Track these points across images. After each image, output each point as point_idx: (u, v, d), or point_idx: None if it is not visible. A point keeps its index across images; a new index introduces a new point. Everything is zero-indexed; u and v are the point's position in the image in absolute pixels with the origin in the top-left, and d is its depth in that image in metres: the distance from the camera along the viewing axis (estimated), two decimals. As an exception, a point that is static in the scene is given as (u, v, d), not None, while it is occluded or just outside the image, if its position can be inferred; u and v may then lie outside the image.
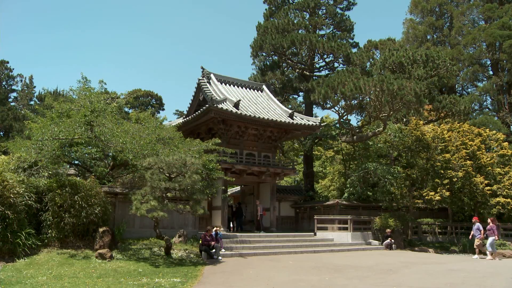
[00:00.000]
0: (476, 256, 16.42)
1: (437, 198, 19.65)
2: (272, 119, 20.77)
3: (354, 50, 28.14)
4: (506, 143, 24.06)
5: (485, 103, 36.96)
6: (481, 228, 16.47)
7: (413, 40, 37.45)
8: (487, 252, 16.04)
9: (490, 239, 15.80)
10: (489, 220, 16.44)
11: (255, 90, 25.03)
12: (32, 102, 40.62)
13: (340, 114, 23.75)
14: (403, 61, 23.13)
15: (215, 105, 18.77)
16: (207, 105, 18.96)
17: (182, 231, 14.53)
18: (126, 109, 35.82)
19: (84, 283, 8.54)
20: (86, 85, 14.82)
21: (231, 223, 23.08)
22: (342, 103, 22.64)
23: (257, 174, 21.78)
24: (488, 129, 24.95)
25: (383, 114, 21.93)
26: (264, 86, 25.52)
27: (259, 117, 20.47)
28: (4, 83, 39.88)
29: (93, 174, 15.64)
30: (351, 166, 27.46)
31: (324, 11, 29.46)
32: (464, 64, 34.83)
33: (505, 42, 31.47)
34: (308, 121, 22.36)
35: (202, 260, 12.60)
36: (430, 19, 37.79)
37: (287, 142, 29.65)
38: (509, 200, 20.52)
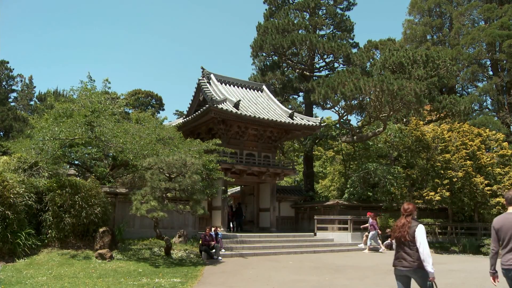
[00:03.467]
0: (366, 250, 17.51)
1: (437, 198, 19.64)
2: (272, 119, 20.77)
3: (354, 50, 28.12)
4: (506, 143, 24.01)
5: (485, 103, 36.92)
6: (369, 223, 17.73)
7: (411, 40, 37.43)
8: (370, 246, 17.47)
9: (371, 234, 17.29)
10: (368, 215, 18.02)
11: (255, 90, 25.03)
12: (32, 102, 40.63)
13: (340, 114, 23.74)
14: (403, 61, 23.11)
15: (215, 105, 18.77)
16: (207, 105, 18.95)
17: (182, 231, 14.52)
18: (126, 110, 35.81)
19: (84, 283, 8.54)
20: (87, 85, 14.82)
21: (231, 223, 23.09)
22: (342, 103, 22.63)
23: (257, 174, 21.78)
24: (488, 129, 24.90)
25: (383, 114, 21.92)
26: (264, 86, 25.51)
27: (259, 117, 20.47)
28: (4, 83, 39.88)
29: (93, 174, 15.65)
30: (351, 166, 27.45)
31: (324, 11, 29.44)
32: (464, 64, 34.80)
33: (505, 42, 31.44)
34: (308, 121, 22.36)
35: (202, 260, 12.59)
36: (428, 19, 37.78)
37: (287, 142, 29.63)
38: (509, 200, 20.48)
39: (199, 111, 19.76)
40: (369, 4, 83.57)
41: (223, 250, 14.02)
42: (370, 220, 17.68)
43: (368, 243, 17.52)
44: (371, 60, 27.74)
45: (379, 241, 17.77)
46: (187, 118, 21.21)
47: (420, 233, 4.78)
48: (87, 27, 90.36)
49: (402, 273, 4.88)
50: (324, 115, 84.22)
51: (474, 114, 34.24)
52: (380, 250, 17.43)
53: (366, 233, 17.85)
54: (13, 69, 40.98)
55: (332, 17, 29.16)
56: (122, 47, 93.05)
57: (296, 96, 32.39)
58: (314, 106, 28.75)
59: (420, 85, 20.30)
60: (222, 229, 18.60)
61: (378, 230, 17.76)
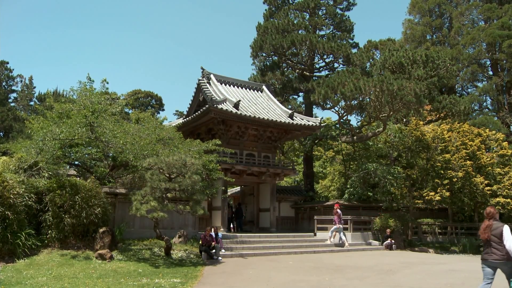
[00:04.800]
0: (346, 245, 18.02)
1: (437, 198, 19.63)
2: (272, 120, 20.77)
3: (354, 51, 28.12)
4: (506, 143, 24.03)
5: (485, 103, 36.92)
6: (336, 215, 18.31)
7: (411, 40, 37.43)
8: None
9: (334, 227, 17.97)
10: (335, 206, 18.56)
11: (255, 91, 25.03)
12: (32, 103, 40.66)
13: (340, 115, 23.73)
14: (403, 62, 23.09)
15: (215, 105, 18.77)
16: (207, 106, 18.95)
17: (182, 232, 14.52)
18: (126, 110, 35.85)
19: (84, 283, 8.54)
20: (86, 85, 14.82)
21: (231, 223, 23.08)
22: (342, 103, 22.62)
23: (257, 175, 21.77)
24: (488, 129, 24.93)
25: (383, 115, 21.92)
26: (264, 87, 25.51)
27: (259, 117, 20.47)
28: (4, 84, 39.91)
29: (93, 174, 15.65)
30: (351, 166, 27.45)
31: (324, 11, 29.44)
32: (464, 64, 34.80)
33: (504, 42, 31.43)
34: (308, 121, 22.35)
35: (202, 261, 12.59)
36: (428, 19, 37.79)
37: (287, 143, 29.62)
38: (509, 200, 20.51)
39: (199, 112, 19.76)
40: (369, 4, 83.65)
41: (223, 250, 14.02)
42: (338, 211, 18.16)
43: (330, 234, 18.03)
44: (371, 60, 27.72)
45: (333, 235, 17.98)
46: (187, 119, 21.20)
47: (507, 232, 6.07)
48: (87, 27, 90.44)
49: (492, 265, 6.24)
50: (324, 115, 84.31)
51: (474, 114, 34.24)
52: (329, 241, 17.79)
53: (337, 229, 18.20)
54: (13, 69, 41.13)
55: (332, 17, 29.16)
56: (122, 47, 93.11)
57: (296, 96, 32.39)
58: (314, 106, 28.75)
59: (420, 85, 20.29)
60: (222, 229, 18.60)
61: (340, 225, 18.00)
